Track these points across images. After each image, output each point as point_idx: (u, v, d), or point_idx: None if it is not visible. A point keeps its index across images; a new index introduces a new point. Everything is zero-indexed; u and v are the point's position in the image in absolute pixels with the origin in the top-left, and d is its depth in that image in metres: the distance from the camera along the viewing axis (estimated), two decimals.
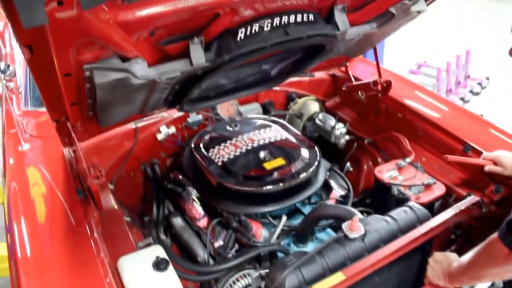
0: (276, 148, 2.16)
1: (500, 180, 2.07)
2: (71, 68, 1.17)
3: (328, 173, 2.40)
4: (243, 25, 1.48)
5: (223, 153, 2.11)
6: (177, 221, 2.15)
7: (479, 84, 5.60)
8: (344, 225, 1.70)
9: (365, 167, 2.69)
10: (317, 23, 1.62)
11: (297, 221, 2.09)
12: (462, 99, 5.26)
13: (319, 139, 2.81)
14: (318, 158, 2.13)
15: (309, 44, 1.68)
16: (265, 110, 2.80)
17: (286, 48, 1.65)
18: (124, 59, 1.29)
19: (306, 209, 2.17)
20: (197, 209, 2.12)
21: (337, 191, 2.30)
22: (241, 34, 1.48)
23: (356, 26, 1.84)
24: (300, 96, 2.92)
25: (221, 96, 2.12)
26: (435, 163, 2.36)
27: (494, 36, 7.06)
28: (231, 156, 2.08)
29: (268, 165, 2.03)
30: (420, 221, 1.83)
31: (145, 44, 1.33)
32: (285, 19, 1.54)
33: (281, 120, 2.48)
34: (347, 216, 1.79)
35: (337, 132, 2.62)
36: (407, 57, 6.32)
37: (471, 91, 5.46)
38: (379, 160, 2.63)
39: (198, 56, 1.43)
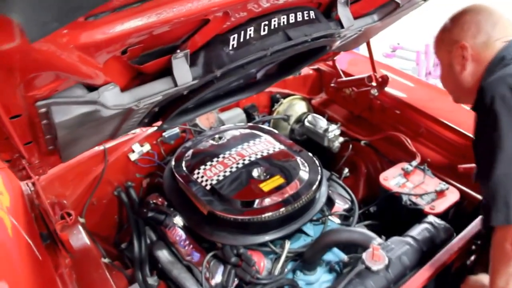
0: (271, 163, 1.91)
1: None
2: (20, 108, 0.89)
3: (327, 183, 2.17)
4: (235, 30, 1.21)
5: (210, 174, 1.85)
6: (163, 254, 1.89)
7: None
8: (365, 255, 1.46)
9: (363, 171, 2.47)
10: (319, 21, 1.37)
11: (299, 243, 1.85)
12: None
13: (308, 141, 2.58)
14: (319, 171, 1.89)
15: (313, 47, 1.42)
16: (248, 116, 2.54)
17: (288, 55, 1.39)
18: (91, 87, 1.00)
19: (308, 228, 1.94)
20: (185, 240, 1.86)
21: (340, 204, 2.07)
22: (233, 42, 1.21)
23: (357, 20, 1.59)
24: (285, 96, 2.67)
25: (202, 107, 1.85)
26: (442, 164, 2.16)
27: None
28: (221, 178, 1.82)
29: (265, 186, 1.77)
30: (443, 239, 1.63)
31: (116, 65, 1.05)
32: (283, 19, 1.28)
33: (270, 128, 2.23)
34: (364, 241, 1.57)
35: (330, 135, 2.40)
36: (379, 39, 6.14)
37: None
38: (377, 163, 2.42)
39: (183, 73, 1.15)
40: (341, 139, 2.43)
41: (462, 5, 1.48)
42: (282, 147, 2.02)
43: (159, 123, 1.62)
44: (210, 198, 1.76)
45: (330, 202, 2.08)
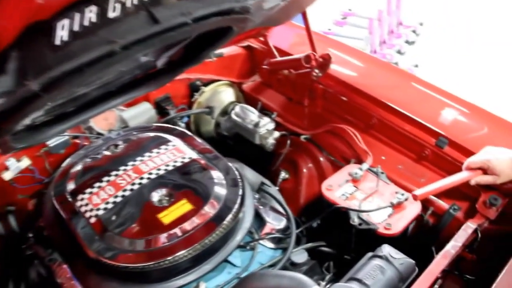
0: (177, 181, 1.52)
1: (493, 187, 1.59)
2: None
3: (257, 195, 1.80)
4: (64, 13, 0.78)
5: (97, 200, 1.44)
6: None
7: (414, 31, 5.21)
8: None
9: (304, 171, 2.11)
10: None
11: (222, 277, 1.49)
12: (398, 51, 4.84)
13: (238, 136, 2.19)
14: (241, 186, 1.52)
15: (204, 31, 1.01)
16: (161, 110, 2.12)
17: (163, 44, 0.98)
18: None
19: (235, 257, 1.57)
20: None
21: (273, 223, 1.70)
22: (62, 32, 0.78)
23: None
24: (207, 83, 2.26)
25: (83, 111, 1.42)
26: (399, 163, 1.84)
27: None
28: (110, 206, 1.42)
29: (166, 216, 1.39)
30: (404, 278, 1.29)
31: None
32: None
33: (181, 129, 1.82)
34: None
35: (262, 131, 2.01)
36: (328, 6, 5.76)
37: (406, 41, 5.04)
38: (321, 159, 2.07)
39: None
40: (276, 134, 2.05)
41: None
42: (194, 155, 1.62)
43: None
44: (96, 236, 1.35)
45: (260, 221, 1.72)
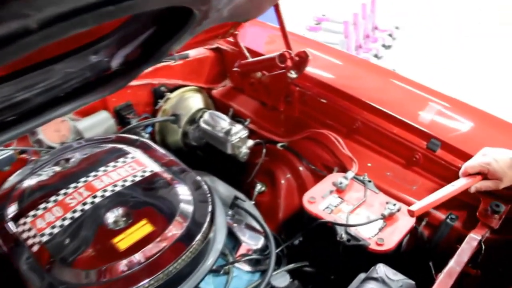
0: (137, 197, 1.33)
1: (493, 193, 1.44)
2: None
3: (230, 212, 1.62)
4: None
5: (42, 224, 1.24)
6: None
7: (390, 35, 5.13)
8: None
9: (282, 182, 1.94)
10: None
11: None
12: (375, 55, 4.75)
13: (208, 147, 2.01)
14: (210, 202, 1.34)
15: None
16: (122, 120, 1.93)
17: (98, 23, 0.79)
18: None
19: (207, 284, 1.40)
20: None
21: (249, 243, 1.53)
22: None
23: None
24: (173, 89, 2.08)
25: (26, 120, 1.23)
26: (387, 169, 1.69)
27: None
28: (56, 231, 1.22)
29: (122, 241, 1.19)
30: None
31: None
32: None
33: (144, 139, 1.63)
34: None
35: (235, 139, 1.83)
36: (302, 11, 5.66)
37: (383, 45, 4.96)
38: (300, 169, 1.91)
39: None
40: (250, 142, 1.88)
41: None
42: (157, 168, 1.43)
43: None
44: (38, 269, 1.15)
45: (235, 241, 1.54)
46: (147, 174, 1.41)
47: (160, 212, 1.29)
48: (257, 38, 2.21)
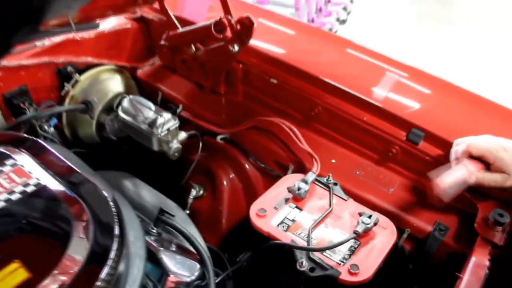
0: (8, 225, 0.94)
1: (491, 194, 1.15)
2: None
3: (155, 231, 1.25)
4: None
5: None
6: None
7: (344, 8, 4.90)
8: None
9: (224, 184, 1.60)
10: None
11: None
12: (330, 30, 4.49)
13: (130, 141, 1.63)
14: (117, 222, 0.97)
15: None
16: (14, 110, 1.51)
17: None
18: None
19: None
20: None
21: (179, 273, 1.16)
22: None
23: None
24: (83, 69, 1.67)
25: None
26: (356, 167, 1.38)
27: None
28: None
29: None
30: None
31: None
32: None
33: (42, 140, 1.23)
34: None
35: (162, 132, 1.46)
36: None
37: (337, 19, 4.71)
38: (247, 167, 1.58)
39: None
40: (182, 135, 1.51)
41: None
42: (46, 179, 1.04)
43: None
44: None
45: (160, 271, 1.18)
46: (29, 189, 1.02)
47: (42, 246, 0.91)
48: (192, 5, 1.85)
